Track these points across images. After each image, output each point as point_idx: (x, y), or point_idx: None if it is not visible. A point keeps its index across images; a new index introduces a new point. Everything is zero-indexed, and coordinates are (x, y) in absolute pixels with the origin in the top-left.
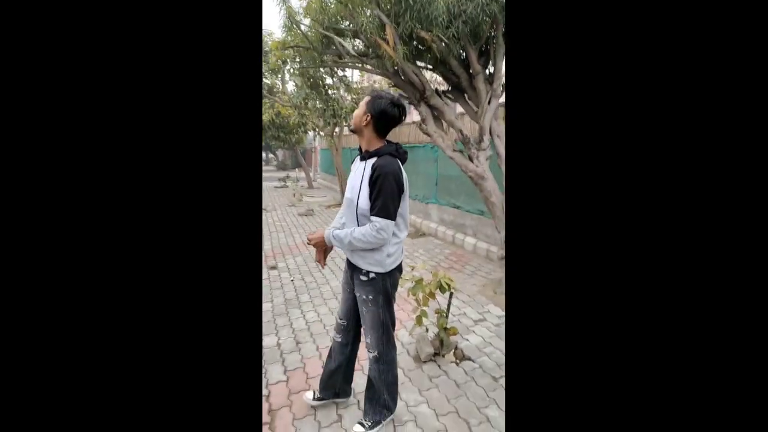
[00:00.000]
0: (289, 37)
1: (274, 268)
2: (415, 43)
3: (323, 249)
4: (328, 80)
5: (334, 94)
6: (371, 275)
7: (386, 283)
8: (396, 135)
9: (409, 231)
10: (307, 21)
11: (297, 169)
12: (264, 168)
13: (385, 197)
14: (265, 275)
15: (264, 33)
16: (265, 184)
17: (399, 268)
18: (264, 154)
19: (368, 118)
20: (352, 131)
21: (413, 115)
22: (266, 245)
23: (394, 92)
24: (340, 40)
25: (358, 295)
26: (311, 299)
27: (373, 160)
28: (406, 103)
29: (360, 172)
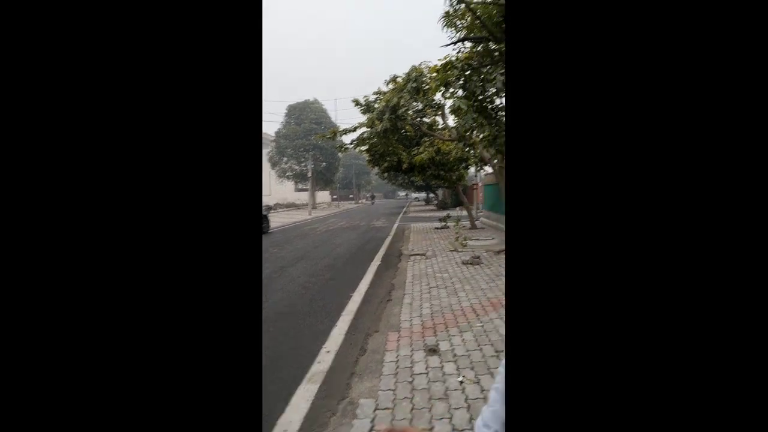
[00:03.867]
0: (450, 32)
1: (433, 351)
2: None
3: None
4: (498, 101)
5: (503, 117)
6: None
7: None
8: None
9: None
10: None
11: (458, 208)
12: (423, 207)
13: None
14: (421, 367)
15: (422, 68)
16: (424, 225)
17: None
18: (424, 194)
19: None
20: None
21: None
22: (425, 309)
23: None
24: None
25: None
26: None
27: None
28: None
29: None
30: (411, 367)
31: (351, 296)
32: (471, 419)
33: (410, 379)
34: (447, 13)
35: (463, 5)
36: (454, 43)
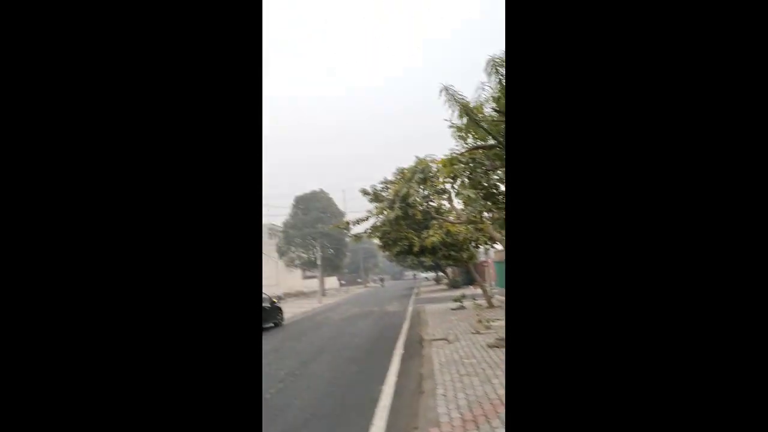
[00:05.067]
0: (467, 139)
1: None
2: None
3: None
4: (502, 187)
5: None
6: None
7: None
8: None
9: None
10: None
11: (471, 287)
12: (434, 287)
13: None
14: None
15: (427, 160)
16: (439, 306)
17: None
18: (434, 273)
19: None
20: None
21: None
22: (461, 400)
23: None
24: None
25: None
26: None
27: None
28: None
29: None
30: None
31: (382, 389)
32: None
33: None
34: (457, 127)
35: (467, 118)
36: (468, 150)
